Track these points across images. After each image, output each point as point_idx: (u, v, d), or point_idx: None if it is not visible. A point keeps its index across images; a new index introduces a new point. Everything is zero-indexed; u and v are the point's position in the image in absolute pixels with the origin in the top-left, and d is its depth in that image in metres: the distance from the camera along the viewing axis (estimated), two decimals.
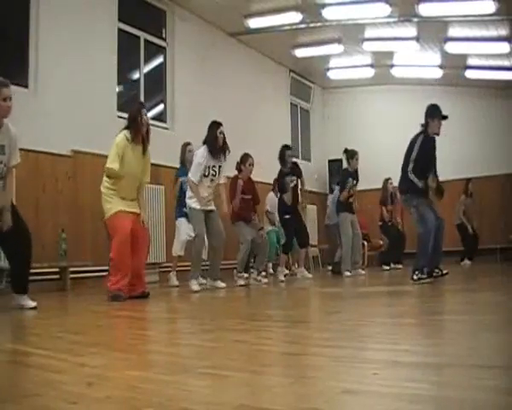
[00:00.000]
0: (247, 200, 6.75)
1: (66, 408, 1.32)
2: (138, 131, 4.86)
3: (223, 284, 5.87)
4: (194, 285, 5.57)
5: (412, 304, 3.82)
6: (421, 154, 5.40)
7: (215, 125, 5.81)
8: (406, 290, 4.97)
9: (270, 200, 8.68)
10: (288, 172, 7.27)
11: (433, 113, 5.51)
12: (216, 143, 5.73)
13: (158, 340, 2.54)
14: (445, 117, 5.48)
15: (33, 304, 4.01)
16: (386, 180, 9.33)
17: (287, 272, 8.54)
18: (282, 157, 7.26)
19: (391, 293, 4.98)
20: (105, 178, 4.92)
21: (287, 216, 7.23)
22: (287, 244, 7.38)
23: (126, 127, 4.92)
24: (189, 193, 5.85)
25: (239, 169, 6.79)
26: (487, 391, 1.30)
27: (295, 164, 7.49)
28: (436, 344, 2.09)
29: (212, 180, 5.81)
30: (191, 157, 6.29)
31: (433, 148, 5.48)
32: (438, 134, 5.52)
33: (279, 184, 7.39)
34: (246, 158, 6.75)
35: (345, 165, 8.55)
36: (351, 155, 8.07)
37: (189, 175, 5.80)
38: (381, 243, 10.61)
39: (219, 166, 5.84)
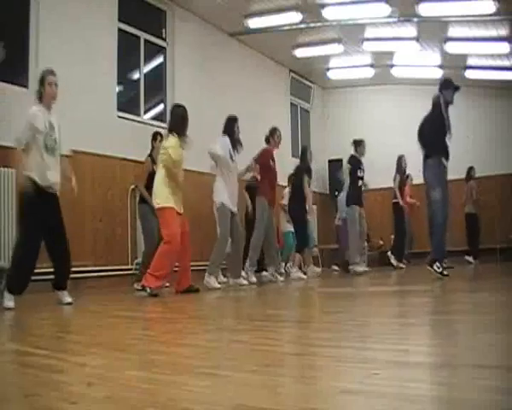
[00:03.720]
0: (274, 170, 6.90)
1: (66, 408, 1.32)
2: (184, 131, 5.36)
3: (245, 282, 6.05)
4: (214, 282, 5.75)
5: (412, 304, 3.81)
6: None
7: (232, 121, 6.25)
8: (406, 290, 4.97)
9: (288, 194, 8.71)
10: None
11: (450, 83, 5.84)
12: (233, 137, 6.16)
13: (158, 340, 2.54)
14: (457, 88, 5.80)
15: (70, 299, 4.42)
16: (400, 158, 9.42)
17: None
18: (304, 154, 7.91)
19: (391, 293, 4.98)
20: (163, 172, 5.27)
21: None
22: (302, 243, 7.61)
23: (173, 130, 5.34)
24: (219, 185, 6.03)
25: (268, 141, 7.01)
26: (487, 391, 1.30)
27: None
28: (436, 344, 2.09)
29: (233, 162, 6.08)
30: None
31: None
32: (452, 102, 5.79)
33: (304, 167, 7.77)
34: (274, 131, 7.05)
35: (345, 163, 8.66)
36: (358, 142, 8.27)
37: (217, 150, 6.03)
38: (381, 242, 10.62)
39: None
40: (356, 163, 8.17)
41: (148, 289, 4.90)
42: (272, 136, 6.99)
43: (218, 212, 6.03)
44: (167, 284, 5.64)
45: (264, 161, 6.82)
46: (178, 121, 5.36)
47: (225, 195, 5.92)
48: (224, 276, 6.88)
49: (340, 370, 1.67)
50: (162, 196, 5.17)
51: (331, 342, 2.22)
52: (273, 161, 6.90)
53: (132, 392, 1.47)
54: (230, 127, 6.15)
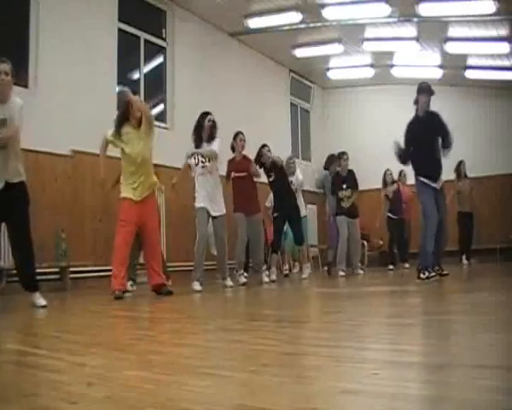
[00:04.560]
0: (241, 177, 6.65)
1: (66, 408, 1.32)
2: (127, 115, 5.00)
3: (230, 283, 5.99)
4: (195, 285, 5.65)
5: (411, 304, 3.82)
6: None
7: (202, 116, 6.01)
8: (405, 290, 4.97)
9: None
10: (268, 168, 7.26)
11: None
12: (199, 132, 5.92)
13: (157, 340, 2.53)
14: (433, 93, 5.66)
15: (44, 302, 4.05)
16: (385, 172, 9.42)
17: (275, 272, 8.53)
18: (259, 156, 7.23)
19: (390, 293, 4.98)
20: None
21: (275, 214, 7.23)
22: (274, 243, 7.36)
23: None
24: (196, 187, 5.95)
25: (232, 148, 6.79)
26: (487, 391, 1.30)
27: (274, 163, 7.39)
28: (436, 344, 2.08)
29: (203, 167, 5.86)
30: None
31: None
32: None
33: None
34: (236, 135, 6.77)
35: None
36: (338, 157, 8.18)
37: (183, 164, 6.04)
38: (381, 242, 10.61)
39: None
40: (337, 184, 8.00)
41: (116, 293, 4.73)
42: (234, 140, 6.73)
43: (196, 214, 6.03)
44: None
45: (227, 176, 6.68)
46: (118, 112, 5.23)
47: (199, 198, 5.84)
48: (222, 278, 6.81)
49: (340, 370, 1.67)
50: (121, 185, 5.10)
51: (330, 342, 2.22)
52: (238, 170, 6.63)
53: (132, 392, 1.47)
54: (198, 123, 5.99)
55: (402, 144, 5.61)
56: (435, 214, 5.41)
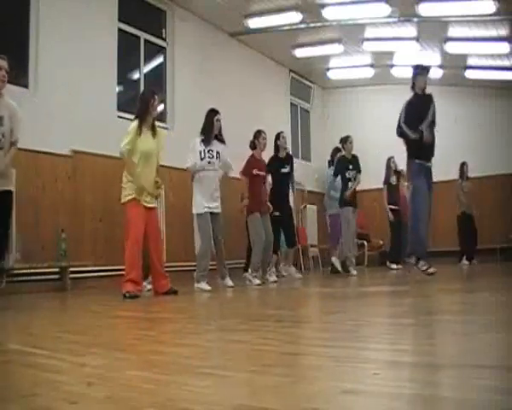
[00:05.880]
0: (261, 176, 6.71)
1: (66, 408, 1.32)
2: (147, 116, 5.03)
3: (230, 283, 5.93)
4: (204, 285, 5.63)
5: (412, 304, 3.81)
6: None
7: (212, 113, 5.95)
8: (406, 290, 4.97)
9: None
10: (282, 158, 7.31)
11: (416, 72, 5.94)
12: (211, 130, 5.85)
13: (158, 340, 2.53)
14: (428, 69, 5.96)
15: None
16: (389, 159, 9.38)
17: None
18: (276, 142, 7.34)
19: (390, 293, 4.98)
20: (124, 173, 5.01)
21: (276, 213, 7.16)
22: (275, 244, 7.31)
23: (136, 116, 5.09)
24: (195, 191, 5.88)
25: (253, 146, 6.83)
26: (487, 391, 1.30)
27: (290, 155, 7.54)
28: (436, 344, 2.08)
29: (209, 162, 5.80)
30: None
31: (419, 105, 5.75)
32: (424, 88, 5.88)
33: (272, 172, 7.29)
34: (259, 133, 6.81)
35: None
36: (344, 140, 8.09)
37: (188, 163, 5.88)
38: (381, 242, 10.61)
39: (217, 152, 5.87)
40: (343, 164, 7.92)
41: (127, 294, 4.74)
42: (257, 138, 6.77)
43: (197, 221, 5.95)
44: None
45: (246, 173, 6.64)
46: (140, 105, 5.13)
47: (201, 202, 5.75)
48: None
49: (341, 370, 1.67)
50: (124, 190, 4.96)
51: (331, 341, 2.22)
52: (260, 167, 6.69)
53: (132, 392, 1.46)
54: (205, 121, 5.93)
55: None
56: (427, 198, 5.43)
